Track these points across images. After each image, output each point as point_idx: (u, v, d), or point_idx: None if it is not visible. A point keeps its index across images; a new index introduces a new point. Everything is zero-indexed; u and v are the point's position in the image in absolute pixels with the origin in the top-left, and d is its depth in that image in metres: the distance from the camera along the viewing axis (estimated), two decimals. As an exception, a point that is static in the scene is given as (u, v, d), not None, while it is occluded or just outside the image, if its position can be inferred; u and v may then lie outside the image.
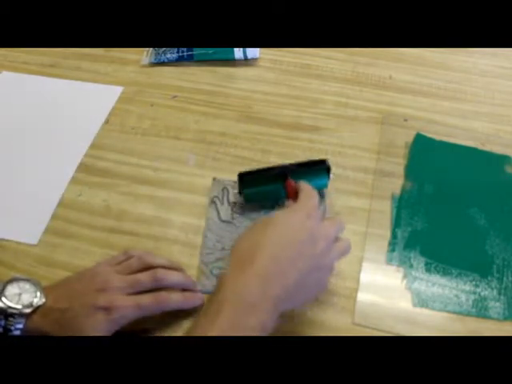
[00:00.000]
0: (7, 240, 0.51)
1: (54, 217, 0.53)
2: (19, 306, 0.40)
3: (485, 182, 0.56)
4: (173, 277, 0.44)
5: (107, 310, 0.40)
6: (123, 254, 0.46)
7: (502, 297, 0.47)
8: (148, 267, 0.44)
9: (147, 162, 0.58)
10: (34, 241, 0.51)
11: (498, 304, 0.47)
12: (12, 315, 0.39)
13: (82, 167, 0.57)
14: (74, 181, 0.56)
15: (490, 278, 0.48)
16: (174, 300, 0.43)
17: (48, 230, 0.52)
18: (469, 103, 0.65)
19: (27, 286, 0.41)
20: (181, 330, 0.44)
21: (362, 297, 0.47)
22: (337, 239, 0.42)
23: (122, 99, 0.65)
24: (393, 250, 0.50)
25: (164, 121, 0.62)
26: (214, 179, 0.55)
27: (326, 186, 0.53)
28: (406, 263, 0.49)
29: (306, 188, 0.45)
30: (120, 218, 0.53)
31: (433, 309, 0.46)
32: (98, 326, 0.39)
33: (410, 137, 0.60)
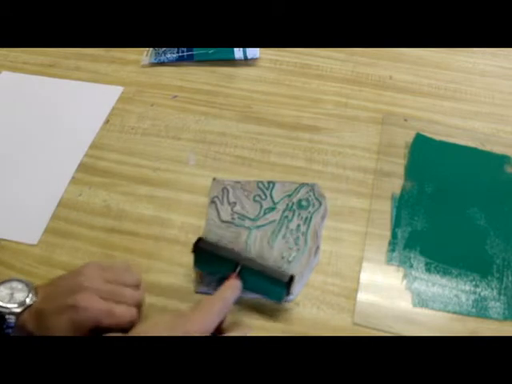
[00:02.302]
0: (7, 240, 0.51)
1: (54, 217, 0.53)
2: (10, 306, 0.39)
3: (485, 182, 0.56)
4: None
5: (75, 308, 0.38)
6: (122, 262, 0.45)
7: (502, 297, 0.47)
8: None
9: (147, 161, 0.58)
10: (34, 241, 0.51)
11: (498, 304, 0.47)
12: (4, 315, 0.39)
13: (82, 167, 0.57)
14: (74, 181, 0.56)
15: (489, 278, 0.48)
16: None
17: (48, 230, 0.52)
18: (469, 103, 0.65)
19: (20, 286, 0.41)
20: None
21: (362, 297, 0.47)
22: None
23: (122, 99, 0.65)
24: (393, 250, 0.50)
25: (164, 121, 0.62)
26: (214, 179, 0.55)
27: (280, 301, 0.46)
28: (406, 263, 0.49)
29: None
30: (120, 218, 0.53)
31: (433, 309, 0.46)
32: (61, 326, 0.38)
33: (410, 137, 0.60)
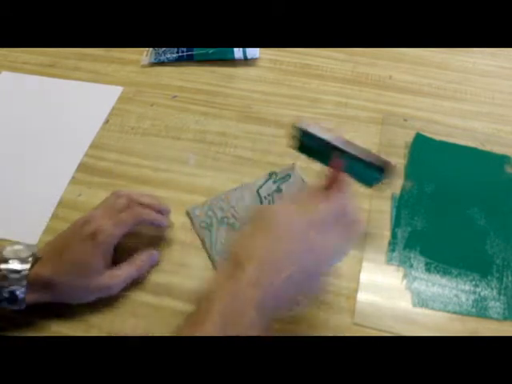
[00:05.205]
0: (7, 240, 0.51)
1: (54, 217, 0.53)
2: (19, 260, 0.42)
3: (485, 182, 0.56)
4: (151, 215, 0.48)
5: (93, 235, 0.43)
6: (113, 194, 0.48)
7: (501, 297, 0.47)
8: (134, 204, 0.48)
9: (147, 161, 0.58)
10: (34, 241, 0.51)
11: (498, 304, 0.47)
12: (16, 271, 0.41)
13: (82, 167, 0.57)
14: (74, 181, 0.56)
15: (489, 278, 0.48)
16: (147, 213, 0.48)
17: (48, 230, 0.52)
18: (469, 103, 0.65)
19: (21, 246, 0.43)
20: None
21: (362, 297, 0.47)
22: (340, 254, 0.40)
23: (121, 99, 0.65)
24: (393, 250, 0.50)
25: (164, 121, 0.62)
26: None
27: (371, 184, 0.45)
28: (406, 263, 0.49)
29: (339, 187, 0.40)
30: (120, 217, 0.53)
31: (433, 309, 0.46)
32: (89, 251, 0.43)
33: (409, 137, 0.60)
